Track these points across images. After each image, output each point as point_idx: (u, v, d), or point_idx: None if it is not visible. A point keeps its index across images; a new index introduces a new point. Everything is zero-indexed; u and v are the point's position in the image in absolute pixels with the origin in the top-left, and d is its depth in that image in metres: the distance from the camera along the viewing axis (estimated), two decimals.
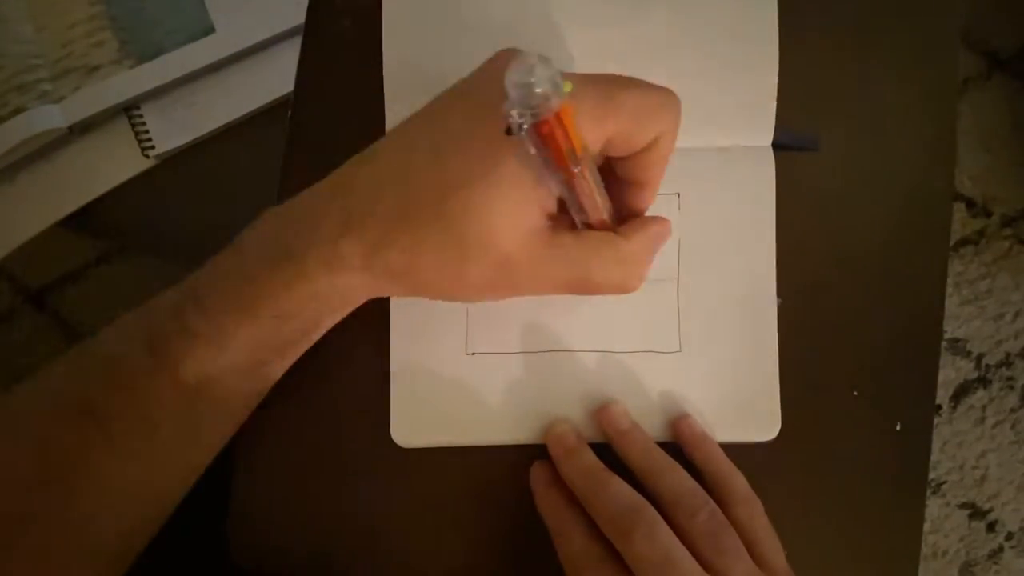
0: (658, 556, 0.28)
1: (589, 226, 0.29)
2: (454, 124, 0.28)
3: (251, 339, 0.29)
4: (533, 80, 0.21)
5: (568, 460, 0.32)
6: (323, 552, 0.35)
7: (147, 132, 0.51)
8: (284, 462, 0.35)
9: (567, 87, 0.22)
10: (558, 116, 0.23)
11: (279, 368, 0.32)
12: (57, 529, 0.28)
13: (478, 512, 0.35)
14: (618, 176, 0.30)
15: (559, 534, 0.31)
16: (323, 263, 0.27)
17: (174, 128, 0.51)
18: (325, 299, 0.29)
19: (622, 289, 0.30)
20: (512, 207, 0.27)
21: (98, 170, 0.51)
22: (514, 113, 0.22)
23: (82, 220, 0.51)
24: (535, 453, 0.34)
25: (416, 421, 0.34)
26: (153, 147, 0.51)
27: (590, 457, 0.32)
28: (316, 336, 0.31)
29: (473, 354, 0.34)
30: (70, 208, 0.50)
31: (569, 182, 0.26)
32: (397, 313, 0.34)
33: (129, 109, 0.51)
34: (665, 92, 0.28)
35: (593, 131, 0.26)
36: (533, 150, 0.24)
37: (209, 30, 0.51)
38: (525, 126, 0.23)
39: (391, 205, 0.27)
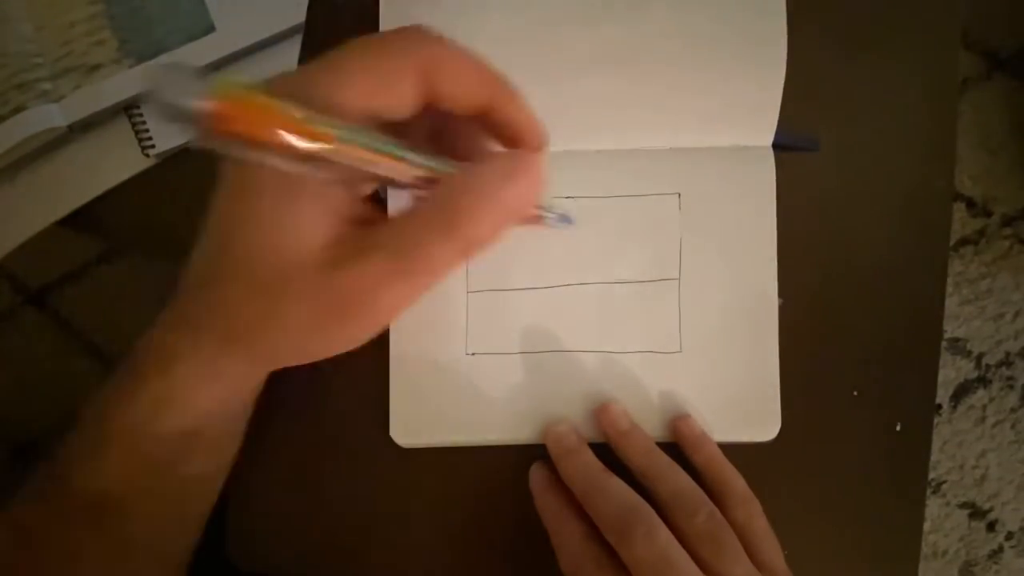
0: (656, 557, 0.28)
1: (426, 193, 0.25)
2: (228, 172, 0.26)
3: (119, 451, 0.27)
4: (163, 97, 0.19)
5: (567, 460, 0.32)
6: (322, 552, 0.35)
7: (147, 131, 0.51)
8: (283, 462, 0.35)
9: (227, 82, 0.20)
10: (231, 109, 0.20)
11: (194, 467, 0.30)
12: None
13: (478, 512, 0.35)
14: (479, 120, 0.27)
15: (558, 534, 0.31)
16: (154, 366, 0.27)
17: (174, 127, 0.51)
18: (172, 404, 0.27)
19: (455, 250, 0.24)
20: (300, 228, 0.24)
21: (98, 169, 0.51)
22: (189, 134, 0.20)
23: (82, 220, 0.52)
24: (535, 453, 0.34)
25: (416, 421, 0.34)
26: (153, 146, 0.51)
27: (589, 457, 0.32)
28: (213, 440, 0.30)
29: (473, 354, 0.34)
30: (70, 208, 0.50)
31: (324, 160, 0.22)
32: None
33: (129, 108, 0.51)
34: (397, 33, 0.25)
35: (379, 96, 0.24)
36: (235, 152, 0.21)
37: (209, 29, 0.51)
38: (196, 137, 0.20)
39: (200, 274, 0.27)
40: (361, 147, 0.23)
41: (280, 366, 0.28)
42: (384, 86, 0.24)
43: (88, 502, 0.28)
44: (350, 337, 0.26)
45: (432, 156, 0.25)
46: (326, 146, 0.22)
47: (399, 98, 0.25)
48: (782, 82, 0.34)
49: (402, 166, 0.24)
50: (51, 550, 0.28)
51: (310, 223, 0.24)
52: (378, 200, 0.27)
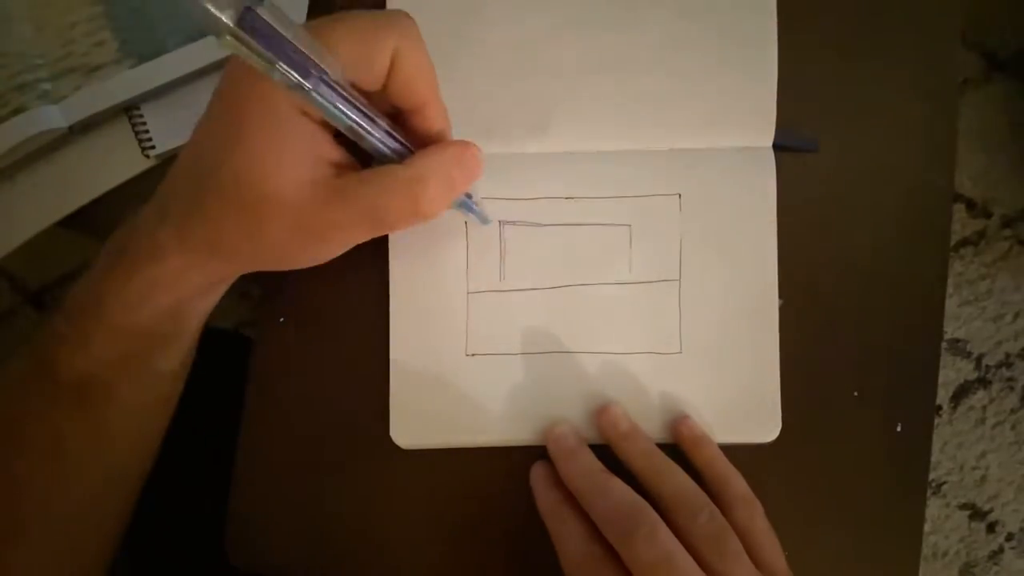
0: (657, 557, 0.28)
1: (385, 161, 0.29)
2: (224, 95, 0.29)
3: (109, 333, 0.30)
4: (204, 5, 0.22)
5: (568, 461, 0.32)
6: (322, 553, 0.35)
7: (147, 132, 0.51)
8: (283, 463, 0.35)
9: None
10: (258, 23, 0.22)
11: (167, 361, 0.32)
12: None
13: (478, 513, 0.35)
14: (402, 112, 0.30)
15: (559, 535, 0.31)
16: (147, 254, 0.29)
17: (174, 128, 0.51)
18: (163, 286, 0.30)
19: (413, 214, 0.29)
20: (282, 161, 0.27)
21: (98, 170, 0.51)
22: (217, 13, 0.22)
23: (82, 220, 0.51)
24: (535, 454, 0.34)
25: (416, 422, 0.34)
26: (153, 147, 0.51)
27: (590, 458, 0.32)
28: (189, 325, 0.32)
29: (473, 355, 0.34)
30: (70, 208, 0.50)
31: (311, 91, 0.25)
32: (397, 314, 0.34)
33: (129, 109, 0.51)
34: (386, 12, 0.29)
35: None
36: (247, 52, 0.23)
37: None
38: (227, 28, 0.22)
39: (189, 185, 0.29)
40: (345, 94, 0.26)
41: (255, 270, 0.32)
42: (364, 59, 0.27)
43: (73, 384, 0.30)
44: (315, 258, 0.31)
45: (393, 127, 0.29)
46: (316, 73, 0.25)
47: (374, 73, 0.28)
48: (775, 82, 0.34)
49: (368, 126, 0.28)
50: (36, 435, 0.31)
51: (294, 160, 0.28)
52: (348, 145, 0.30)
